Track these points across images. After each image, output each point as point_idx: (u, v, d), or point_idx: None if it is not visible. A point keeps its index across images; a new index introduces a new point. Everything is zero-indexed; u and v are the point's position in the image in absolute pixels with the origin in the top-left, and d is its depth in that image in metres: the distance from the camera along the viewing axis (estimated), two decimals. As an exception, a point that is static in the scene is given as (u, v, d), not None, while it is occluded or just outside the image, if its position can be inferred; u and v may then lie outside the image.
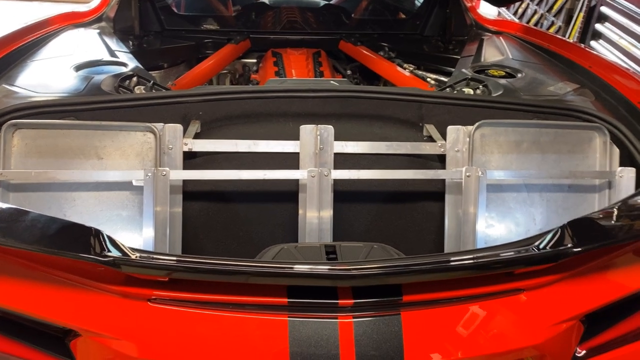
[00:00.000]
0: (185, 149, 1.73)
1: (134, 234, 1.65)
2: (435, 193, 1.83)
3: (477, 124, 1.77)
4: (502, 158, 1.82)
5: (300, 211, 1.72)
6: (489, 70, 2.38)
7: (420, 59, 2.90)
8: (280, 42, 3.03)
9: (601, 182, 1.80)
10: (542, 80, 2.22)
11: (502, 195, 1.79)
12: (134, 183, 1.63)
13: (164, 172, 1.63)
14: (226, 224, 1.81)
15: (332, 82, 2.25)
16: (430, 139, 1.87)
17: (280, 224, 1.82)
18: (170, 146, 1.72)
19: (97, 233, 1.16)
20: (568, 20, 5.63)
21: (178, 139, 1.73)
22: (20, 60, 2.15)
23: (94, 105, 1.78)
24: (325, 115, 1.90)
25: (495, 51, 2.64)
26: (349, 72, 2.93)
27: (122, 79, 2.04)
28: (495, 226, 1.77)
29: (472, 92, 2.13)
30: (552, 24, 5.96)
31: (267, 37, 3.12)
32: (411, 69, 2.73)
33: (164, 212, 1.66)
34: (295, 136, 1.77)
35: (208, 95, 1.88)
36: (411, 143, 1.82)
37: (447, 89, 2.20)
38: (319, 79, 2.59)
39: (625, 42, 4.73)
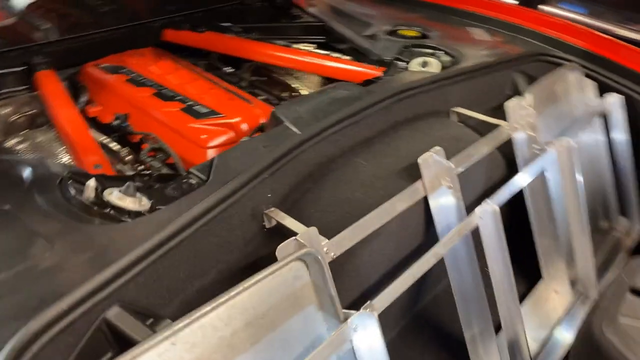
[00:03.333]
0: (329, 258, 1.13)
1: None
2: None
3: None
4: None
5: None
6: (400, 31, 2.24)
7: (277, 32, 2.47)
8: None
9: (591, 113, 1.98)
10: (462, 35, 2.22)
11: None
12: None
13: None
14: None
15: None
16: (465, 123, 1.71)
17: None
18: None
19: None
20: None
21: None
22: None
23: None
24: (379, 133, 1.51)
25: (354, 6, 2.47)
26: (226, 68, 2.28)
27: None
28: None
29: (438, 62, 1.98)
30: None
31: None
32: (310, 48, 2.31)
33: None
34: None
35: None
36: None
37: (424, 61, 1.97)
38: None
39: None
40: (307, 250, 1.00)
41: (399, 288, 1.11)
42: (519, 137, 1.66)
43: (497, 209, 1.32)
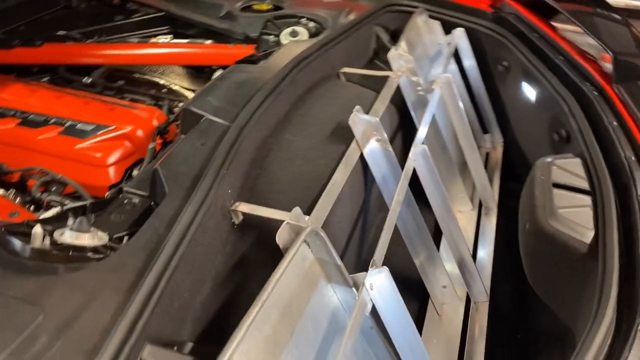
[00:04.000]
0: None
1: None
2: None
3: None
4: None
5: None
6: (254, 6, 2.24)
7: (119, 31, 2.29)
8: None
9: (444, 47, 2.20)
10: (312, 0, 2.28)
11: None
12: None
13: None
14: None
15: None
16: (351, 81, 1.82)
17: None
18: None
19: None
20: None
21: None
22: None
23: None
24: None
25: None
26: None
27: None
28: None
29: (305, 30, 2.03)
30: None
31: None
32: (167, 39, 2.17)
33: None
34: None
35: None
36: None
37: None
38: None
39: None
40: (311, 228, 1.01)
41: (385, 241, 1.17)
42: (405, 82, 1.80)
43: (426, 148, 1.44)
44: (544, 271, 1.33)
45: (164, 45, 2.08)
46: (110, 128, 1.64)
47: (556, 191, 1.35)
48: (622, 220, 1.20)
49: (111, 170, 1.59)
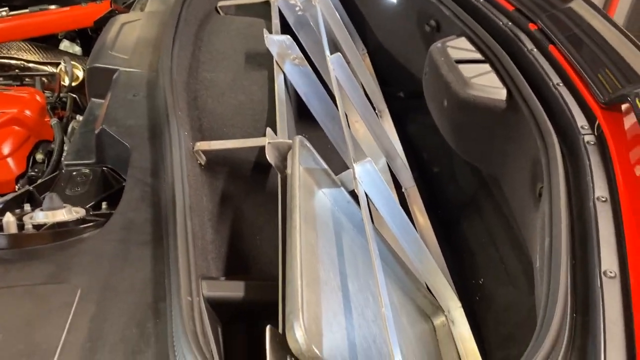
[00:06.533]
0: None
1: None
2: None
3: None
4: None
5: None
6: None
7: None
8: None
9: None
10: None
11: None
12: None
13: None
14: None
15: None
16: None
17: None
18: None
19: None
20: None
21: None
22: None
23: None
24: None
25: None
26: None
27: None
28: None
29: None
30: None
31: None
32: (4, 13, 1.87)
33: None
34: None
35: None
36: None
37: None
38: None
39: None
40: (299, 140, 1.03)
41: (351, 144, 1.23)
42: (282, 4, 1.82)
43: (340, 55, 1.51)
44: (470, 137, 1.51)
45: (9, 19, 1.82)
46: (-8, 115, 1.43)
47: (461, 66, 1.52)
48: (525, 76, 1.39)
49: (10, 162, 1.41)
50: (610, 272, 0.78)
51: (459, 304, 1.34)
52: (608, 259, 0.81)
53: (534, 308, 0.90)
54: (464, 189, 1.79)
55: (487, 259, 1.56)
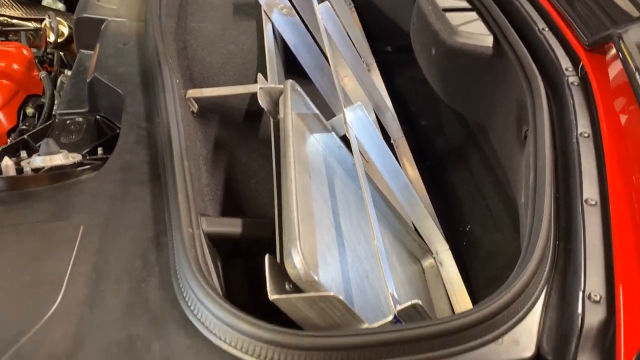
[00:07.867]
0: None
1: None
2: None
3: None
4: None
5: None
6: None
7: None
8: None
9: None
10: None
11: None
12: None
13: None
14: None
15: None
16: None
17: None
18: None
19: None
20: None
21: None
22: None
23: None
24: None
25: None
26: None
27: None
28: None
29: None
30: None
31: None
32: None
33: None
34: None
35: None
36: None
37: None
38: None
39: None
40: (290, 84, 1.05)
41: (342, 92, 1.25)
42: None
43: (329, 5, 1.51)
44: (458, 84, 1.53)
45: None
46: (-20, 69, 1.43)
47: (449, 14, 1.53)
48: (511, 22, 1.41)
49: (1, 116, 1.41)
50: (591, 200, 0.83)
51: (446, 247, 1.39)
52: (589, 189, 0.84)
53: (519, 250, 0.94)
54: (452, 140, 1.83)
55: (473, 206, 1.61)
